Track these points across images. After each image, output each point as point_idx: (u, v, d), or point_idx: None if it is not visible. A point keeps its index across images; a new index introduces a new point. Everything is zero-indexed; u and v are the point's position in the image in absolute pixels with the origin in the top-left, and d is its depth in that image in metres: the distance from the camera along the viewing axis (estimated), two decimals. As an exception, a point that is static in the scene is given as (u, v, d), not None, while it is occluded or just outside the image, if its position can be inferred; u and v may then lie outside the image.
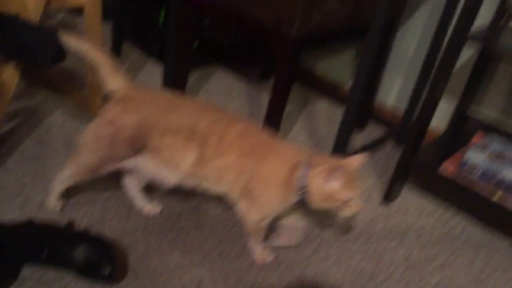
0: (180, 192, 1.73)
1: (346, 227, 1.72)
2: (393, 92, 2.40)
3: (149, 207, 1.61)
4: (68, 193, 1.60)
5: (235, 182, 1.38)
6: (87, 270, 1.30)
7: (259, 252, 1.51)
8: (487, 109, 2.11)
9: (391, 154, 2.20)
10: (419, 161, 1.85)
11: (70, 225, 1.36)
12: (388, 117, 2.40)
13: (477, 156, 1.73)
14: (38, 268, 1.34)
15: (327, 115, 2.45)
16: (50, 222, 1.38)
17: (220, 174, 1.39)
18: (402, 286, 1.56)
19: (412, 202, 1.94)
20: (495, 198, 1.69)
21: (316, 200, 1.33)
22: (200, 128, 1.36)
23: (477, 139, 1.89)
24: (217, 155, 1.36)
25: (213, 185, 1.43)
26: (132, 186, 1.60)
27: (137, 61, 2.54)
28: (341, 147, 1.84)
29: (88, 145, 1.42)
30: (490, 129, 2.03)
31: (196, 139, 1.36)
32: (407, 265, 1.64)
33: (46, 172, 1.68)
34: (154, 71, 2.48)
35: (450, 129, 2.13)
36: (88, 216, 1.55)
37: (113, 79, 1.43)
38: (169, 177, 1.44)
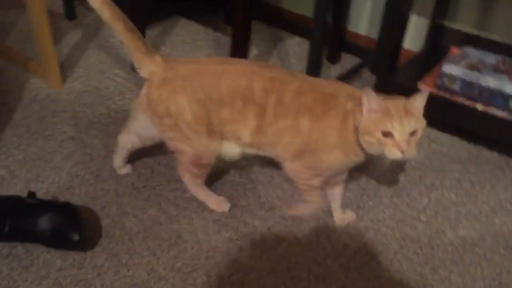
0: (149, 149, 1.64)
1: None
2: (364, 20, 2.29)
3: (124, 169, 1.54)
4: (32, 165, 1.51)
5: (290, 144, 1.25)
6: (55, 239, 1.23)
7: (307, 207, 1.40)
8: (461, 23, 2.00)
9: (368, 83, 2.11)
10: (397, 81, 1.76)
11: (31, 195, 1.27)
12: (362, 46, 2.29)
13: (454, 68, 1.64)
14: (3, 244, 1.27)
15: (299, 51, 2.34)
16: (9, 195, 1.30)
17: (278, 138, 1.25)
18: (391, 211, 1.50)
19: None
20: (479, 108, 1.61)
21: (361, 135, 1.14)
22: (255, 93, 1.21)
23: (452, 52, 1.80)
24: (276, 119, 1.22)
25: (271, 150, 1.30)
26: (123, 145, 1.48)
27: (93, 23, 2.40)
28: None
29: (167, 139, 1.33)
30: (466, 41, 1.93)
31: (253, 106, 1.22)
32: (395, 189, 1.57)
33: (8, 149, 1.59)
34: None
35: (426, 47, 2.03)
36: (54, 185, 1.47)
37: (146, 62, 1.26)
38: (232, 151, 1.33)
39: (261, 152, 1.33)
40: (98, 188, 1.47)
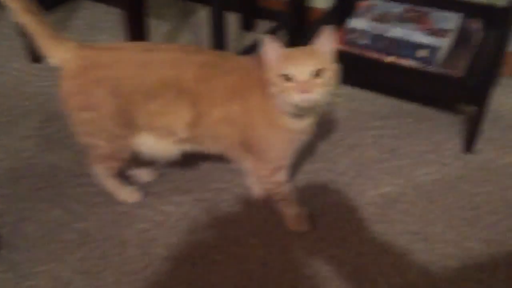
0: (54, 145, 1.52)
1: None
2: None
3: (143, 173, 1.42)
4: None
5: (231, 136, 1.15)
6: None
7: (294, 219, 1.28)
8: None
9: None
10: (306, 41, 1.69)
11: None
12: (276, 10, 2.20)
13: (360, 21, 1.59)
14: None
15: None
16: None
17: (217, 130, 1.15)
18: (312, 177, 1.45)
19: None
20: (390, 59, 1.57)
21: (269, 90, 1.04)
22: (186, 82, 1.09)
23: (360, 6, 1.74)
24: (210, 108, 1.11)
25: (212, 145, 1.19)
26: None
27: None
28: (219, 49, 1.65)
29: (83, 134, 1.20)
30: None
31: (186, 96, 1.10)
32: (316, 154, 1.52)
33: None
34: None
35: (335, 3, 1.97)
36: None
37: (57, 48, 1.11)
38: (169, 149, 1.21)
39: (205, 148, 1.22)
40: (-7, 195, 1.35)
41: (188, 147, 1.21)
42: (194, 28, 2.21)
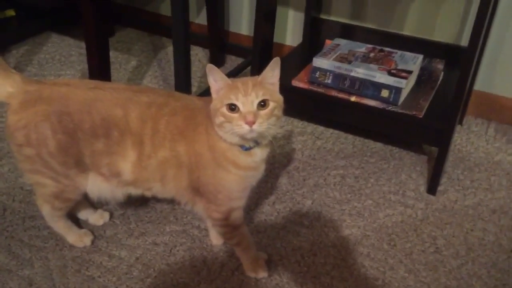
0: (5, 184, 1.46)
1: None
2: (244, 20, 2.21)
3: (97, 216, 1.37)
4: None
5: (178, 178, 1.10)
6: None
7: (251, 265, 1.22)
8: (338, 15, 1.97)
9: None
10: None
11: None
12: (245, 46, 2.21)
13: (324, 61, 1.58)
14: None
15: (180, 57, 2.22)
16: None
17: (162, 172, 1.10)
18: (273, 219, 1.41)
19: (285, 126, 1.78)
20: (352, 99, 1.56)
21: (213, 121, 1.01)
22: (131, 122, 1.06)
23: (326, 45, 1.75)
24: (155, 150, 1.08)
25: (161, 189, 1.14)
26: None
27: None
28: (183, 85, 1.63)
29: (28, 172, 1.15)
30: (344, 33, 1.89)
31: (130, 136, 1.07)
32: (278, 194, 1.49)
33: None
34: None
35: (303, 41, 1.98)
36: None
37: (1, 81, 1.08)
38: (114, 191, 1.16)
39: (153, 193, 1.17)
40: None
41: (134, 191, 1.17)
42: (162, 63, 2.19)
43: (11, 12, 2.23)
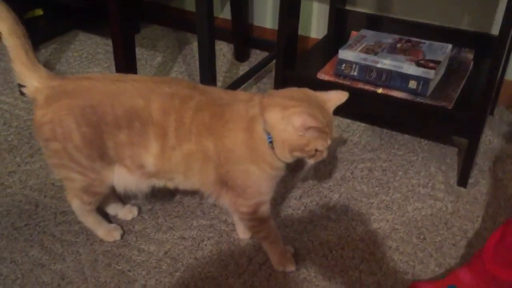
0: (38, 181, 1.49)
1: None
2: (269, 13, 2.20)
3: (125, 211, 1.38)
4: None
5: (205, 171, 1.11)
6: None
7: (279, 258, 1.22)
8: (363, 5, 1.94)
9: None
10: (296, 72, 1.67)
11: None
12: (270, 40, 2.20)
13: (349, 53, 1.56)
14: None
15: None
16: None
17: (186, 165, 1.11)
18: (300, 213, 1.40)
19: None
20: (379, 91, 1.53)
21: (288, 151, 1.04)
22: (153, 114, 1.07)
23: (352, 37, 1.72)
24: (179, 142, 1.08)
25: (184, 181, 1.15)
26: None
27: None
28: (209, 80, 1.63)
29: (56, 167, 1.17)
30: (370, 24, 1.87)
31: (153, 127, 1.08)
32: (304, 189, 1.48)
33: None
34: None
35: (328, 33, 1.96)
36: None
37: (28, 76, 1.10)
38: (139, 183, 1.18)
39: (175, 184, 1.18)
40: (-29, 234, 1.32)
41: (158, 182, 1.18)
42: (187, 59, 2.20)
43: (39, 12, 2.27)
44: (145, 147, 1.10)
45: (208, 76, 1.62)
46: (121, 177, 1.17)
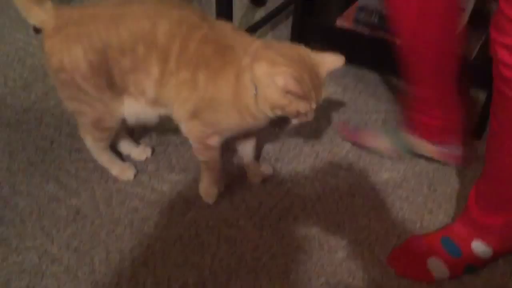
0: (52, 119, 1.50)
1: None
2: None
3: (138, 151, 1.39)
4: None
5: (187, 100, 1.10)
6: None
7: (206, 186, 1.26)
8: None
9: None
10: (314, 20, 1.63)
11: None
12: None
13: (369, 0, 1.52)
14: None
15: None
16: None
17: (177, 92, 1.10)
18: (311, 160, 1.41)
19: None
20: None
21: (269, 107, 1.04)
22: (158, 36, 1.05)
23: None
24: (178, 69, 1.07)
25: (171, 109, 1.15)
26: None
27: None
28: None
29: (66, 99, 1.18)
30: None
31: (156, 51, 1.06)
32: (317, 136, 1.48)
33: None
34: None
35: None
36: None
37: (34, 9, 1.09)
38: (145, 112, 1.17)
39: (169, 113, 1.18)
40: (-12, 167, 1.34)
41: (162, 111, 1.17)
42: (203, 1, 2.15)
43: None
44: (146, 72, 1.09)
45: (223, 19, 1.59)
46: (130, 107, 1.17)
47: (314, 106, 1.04)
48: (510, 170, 1.00)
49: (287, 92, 0.99)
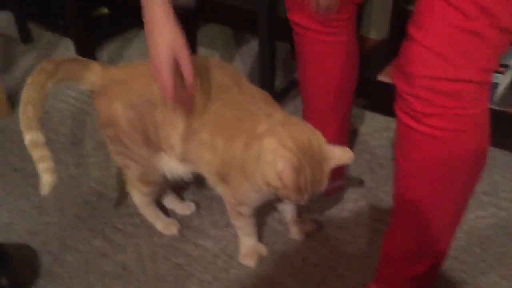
0: (102, 173, 1.55)
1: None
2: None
3: (182, 206, 1.42)
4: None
5: (210, 163, 1.12)
6: (-19, 285, 1.14)
7: (245, 248, 1.26)
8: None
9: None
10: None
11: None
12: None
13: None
14: None
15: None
16: None
17: (199, 153, 1.13)
18: (355, 216, 1.39)
19: (369, 121, 1.75)
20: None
21: (259, 179, 1.03)
22: (186, 93, 1.05)
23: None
24: (200, 127, 1.09)
25: (197, 167, 1.18)
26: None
27: (49, 44, 2.32)
28: (267, 81, 1.64)
29: (114, 153, 1.24)
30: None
31: (183, 106, 1.09)
32: (361, 192, 1.46)
33: None
34: (71, 48, 2.26)
35: (390, 34, 1.92)
36: (-7, 223, 1.39)
37: (84, 75, 1.16)
38: (179, 167, 1.20)
39: (195, 168, 1.20)
40: (39, 222, 1.39)
41: (193, 168, 1.19)
42: (245, 57, 2.21)
43: (104, 10, 2.36)
44: (174, 126, 1.12)
45: (266, 76, 1.63)
46: (165, 163, 1.20)
47: (306, 198, 1.01)
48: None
49: (281, 179, 0.96)
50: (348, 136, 1.47)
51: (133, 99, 1.13)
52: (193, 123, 1.10)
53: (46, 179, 1.13)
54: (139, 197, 1.30)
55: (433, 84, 0.81)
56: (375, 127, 1.72)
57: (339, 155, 1.01)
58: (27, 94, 1.10)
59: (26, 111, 1.09)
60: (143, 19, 1.00)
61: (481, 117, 0.89)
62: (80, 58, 1.22)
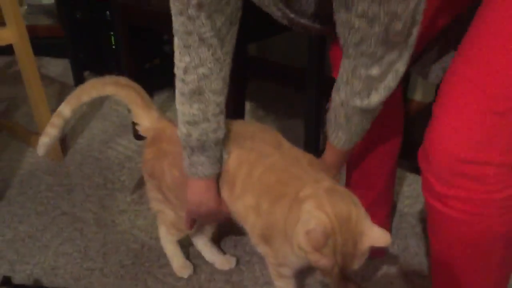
0: (146, 221, 1.58)
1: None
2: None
3: (222, 260, 1.41)
4: (20, 244, 1.47)
5: (254, 226, 1.13)
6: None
7: None
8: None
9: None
10: (403, 137, 1.65)
11: (5, 280, 1.22)
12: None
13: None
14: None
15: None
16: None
17: (245, 215, 1.15)
18: (403, 279, 1.35)
19: (414, 184, 1.73)
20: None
21: (294, 241, 1.00)
22: (229, 162, 1.12)
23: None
24: (243, 193, 1.11)
25: (244, 226, 1.19)
26: (200, 239, 1.41)
27: (102, 92, 2.42)
28: (312, 139, 1.66)
29: (154, 200, 1.31)
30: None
31: (224, 172, 1.13)
32: (406, 256, 1.43)
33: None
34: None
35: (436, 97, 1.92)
36: (39, 266, 1.41)
37: (143, 116, 1.25)
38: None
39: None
40: (83, 267, 1.41)
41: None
42: (290, 115, 2.25)
43: (157, 61, 2.46)
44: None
45: (312, 135, 1.65)
46: None
47: (336, 270, 0.96)
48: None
49: (309, 239, 0.94)
50: (392, 198, 1.46)
51: (179, 162, 1.14)
52: (234, 190, 1.12)
53: (43, 140, 1.26)
54: (165, 234, 1.35)
55: (454, 165, 0.79)
56: (420, 191, 1.70)
57: (377, 236, 0.96)
58: (90, 84, 1.24)
59: (77, 94, 1.24)
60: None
61: (509, 201, 0.83)
62: (147, 97, 1.28)
